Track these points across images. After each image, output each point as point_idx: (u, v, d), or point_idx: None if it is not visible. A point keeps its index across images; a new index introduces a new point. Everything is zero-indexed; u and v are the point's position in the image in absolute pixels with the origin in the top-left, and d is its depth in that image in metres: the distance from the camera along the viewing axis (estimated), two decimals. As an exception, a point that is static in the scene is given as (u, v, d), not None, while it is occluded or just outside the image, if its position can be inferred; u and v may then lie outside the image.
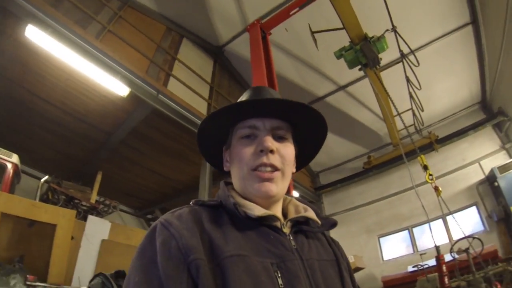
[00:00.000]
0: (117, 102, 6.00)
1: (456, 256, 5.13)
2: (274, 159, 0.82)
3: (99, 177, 7.46)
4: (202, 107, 7.22)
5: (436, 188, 5.36)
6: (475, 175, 9.15)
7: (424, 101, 7.62)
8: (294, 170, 0.92)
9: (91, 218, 4.92)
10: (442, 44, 8.49)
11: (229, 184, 0.93)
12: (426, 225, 8.68)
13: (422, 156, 5.64)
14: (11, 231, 3.78)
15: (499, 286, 4.47)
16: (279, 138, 0.86)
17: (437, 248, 4.82)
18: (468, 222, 8.84)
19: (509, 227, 8.09)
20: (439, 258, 4.78)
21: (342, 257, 0.93)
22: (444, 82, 9.29)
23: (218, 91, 8.32)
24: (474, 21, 8.08)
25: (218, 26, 8.34)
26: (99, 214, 7.30)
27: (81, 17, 5.43)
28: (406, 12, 7.43)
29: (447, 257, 5.36)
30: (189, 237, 0.68)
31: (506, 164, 8.48)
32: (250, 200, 0.83)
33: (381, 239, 9.77)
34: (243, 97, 0.94)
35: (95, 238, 4.67)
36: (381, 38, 6.04)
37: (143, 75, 5.89)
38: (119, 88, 5.52)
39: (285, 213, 0.92)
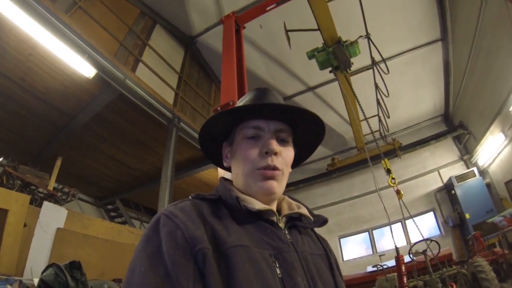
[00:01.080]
0: (81, 84, 5.70)
1: (414, 257, 5.32)
2: (277, 161, 0.86)
3: (58, 163, 7.05)
4: (169, 96, 7.08)
5: (397, 192, 5.52)
6: (434, 182, 9.62)
7: (390, 109, 7.89)
8: (290, 170, 0.96)
9: (46, 205, 4.63)
10: (411, 56, 8.84)
11: (227, 180, 0.96)
12: (386, 228, 9.02)
13: (386, 160, 5.81)
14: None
15: (454, 286, 4.67)
16: (282, 141, 0.90)
17: (397, 249, 4.96)
18: (425, 226, 9.25)
19: (463, 232, 8.56)
20: (398, 258, 4.93)
21: (330, 252, 0.98)
22: (411, 93, 9.67)
23: (186, 82, 8.18)
24: (443, 39, 8.49)
25: (193, 16, 8.24)
26: (57, 202, 6.87)
27: (49, -11, 5.15)
28: (380, 22, 7.67)
29: (406, 259, 5.56)
30: (194, 228, 0.70)
31: (464, 174, 8.99)
32: (249, 195, 0.86)
33: (342, 240, 10.01)
34: (247, 97, 0.97)
35: (50, 226, 4.41)
36: (354, 43, 6.16)
37: (112, 57, 5.65)
38: (84, 69, 5.24)
39: (279, 210, 0.94)
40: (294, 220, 0.92)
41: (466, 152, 9.63)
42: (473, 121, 9.03)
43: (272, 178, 0.85)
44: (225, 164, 0.99)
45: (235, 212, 0.82)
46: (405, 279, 4.74)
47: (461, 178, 8.86)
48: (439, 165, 9.78)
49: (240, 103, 0.97)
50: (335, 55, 5.88)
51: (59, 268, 3.25)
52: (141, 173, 8.55)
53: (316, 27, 6.12)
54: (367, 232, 9.76)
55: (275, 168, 0.85)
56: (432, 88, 9.75)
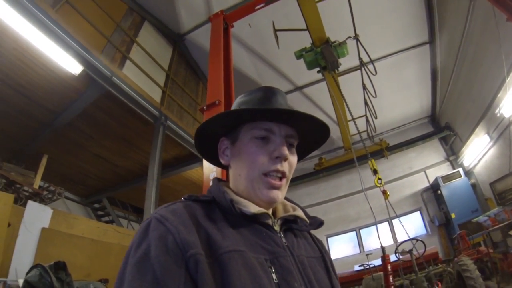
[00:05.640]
0: (67, 80, 5.58)
1: (401, 256, 5.39)
2: (285, 167, 0.85)
3: (44, 161, 6.94)
4: (156, 94, 7.01)
5: (384, 192, 5.59)
6: (421, 182, 9.76)
7: (377, 109, 7.97)
8: None
9: (30, 204, 4.56)
10: (399, 58, 8.95)
11: (220, 181, 0.94)
12: (373, 227, 9.11)
13: (373, 160, 5.87)
14: None
15: (440, 285, 4.74)
16: (290, 146, 0.89)
17: (382, 248, 5.03)
18: (412, 225, 9.39)
19: (449, 231, 8.72)
20: (384, 258, 4.99)
21: (326, 254, 0.97)
22: (398, 94, 9.79)
23: (174, 79, 8.12)
24: (431, 41, 8.61)
25: (182, 14, 8.19)
26: (43, 201, 6.77)
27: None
28: (369, 24, 7.76)
29: (392, 258, 5.63)
30: (186, 232, 0.67)
31: (449, 174, 9.16)
32: (247, 199, 0.84)
33: (329, 239, 10.07)
34: (255, 96, 0.93)
35: (35, 226, 4.35)
36: (342, 43, 6.19)
37: (98, 54, 5.56)
38: (70, 65, 5.12)
39: (274, 211, 0.92)
40: (290, 223, 0.91)
41: (452, 153, 9.80)
42: (459, 123, 9.19)
43: (278, 188, 0.84)
44: (222, 161, 0.95)
45: (229, 215, 0.80)
46: (391, 278, 4.79)
47: (447, 178, 9.02)
48: (425, 165, 9.93)
49: (244, 99, 0.94)
50: (323, 56, 5.90)
51: (44, 269, 3.23)
52: (127, 171, 8.45)
53: (305, 27, 6.13)
54: (354, 232, 9.84)
55: (283, 175, 0.85)
56: (420, 90, 9.89)
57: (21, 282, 3.43)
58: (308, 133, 0.93)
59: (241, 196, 0.85)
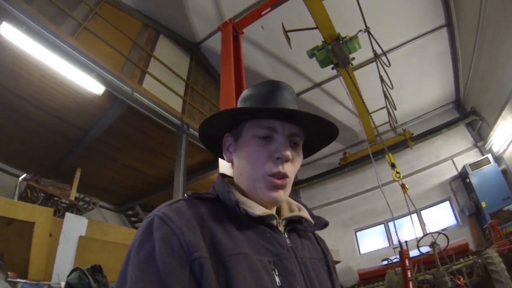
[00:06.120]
0: (92, 100, 5.99)
1: (423, 251, 5.35)
2: (288, 168, 0.82)
3: (78, 174, 7.45)
4: (177, 104, 7.29)
5: (402, 186, 5.56)
6: (448, 171, 9.45)
7: (399, 99, 7.83)
8: None
9: (68, 216, 5.00)
10: (417, 44, 8.70)
11: (225, 176, 0.93)
12: (402, 219, 8.97)
13: (390, 154, 5.82)
14: (-11, 230, 3.84)
15: (461, 279, 4.69)
16: (294, 145, 0.85)
17: (400, 244, 5.02)
18: (442, 216, 9.15)
19: (480, 221, 8.41)
20: (402, 252, 4.98)
21: (328, 254, 0.97)
22: (419, 81, 9.54)
23: (193, 88, 8.37)
24: (449, 24, 8.31)
25: (195, 23, 8.37)
26: (79, 211, 7.27)
27: (56, 12, 5.41)
28: (383, 13, 7.60)
29: (416, 252, 5.58)
30: (190, 234, 0.67)
31: (478, 161, 8.78)
32: (251, 198, 0.83)
33: (358, 233, 10.02)
34: (258, 91, 0.90)
35: (73, 235, 4.74)
36: (353, 38, 6.15)
37: (118, 73, 5.91)
38: (94, 86, 5.54)
39: (278, 209, 0.92)
40: (294, 223, 0.90)
41: (480, 138, 9.41)
42: (485, 107, 8.82)
43: (281, 188, 0.81)
44: (225, 158, 0.94)
45: (233, 214, 0.79)
46: (409, 272, 4.79)
47: (476, 165, 8.68)
48: (452, 153, 9.59)
49: (249, 93, 0.92)
50: (334, 53, 5.92)
51: (83, 272, 3.57)
52: (156, 178, 8.85)
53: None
54: (383, 225, 9.73)
55: (285, 176, 0.81)
56: (441, 76, 9.57)
57: (63, 284, 3.78)
58: (315, 131, 0.89)
59: (245, 193, 0.84)
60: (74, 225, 4.90)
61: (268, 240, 0.79)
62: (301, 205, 0.95)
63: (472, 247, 7.56)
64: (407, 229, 8.48)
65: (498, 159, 8.64)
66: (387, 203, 4.95)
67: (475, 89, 8.97)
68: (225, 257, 0.67)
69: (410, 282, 4.71)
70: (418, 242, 5.14)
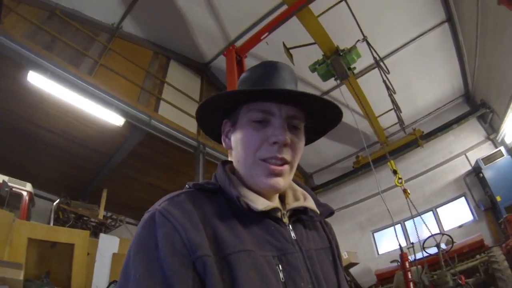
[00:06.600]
0: (114, 129, 6.53)
1: (429, 253, 5.51)
2: (286, 153, 0.77)
3: (104, 194, 8.08)
4: (192, 125, 7.72)
5: (404, 191, 5.72)
6: (462, 166, 9.42)
7: (407, 98, 7.89)
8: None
9: (102, 236, 5.69)
10: (421, 42, 8.78)
11: (227, 163, 0.89)
12: (418, 219, 9.03)
13: (392, 161, 6.03)
14: (37, 252, 4.50)
15: (463, 279, 4.81)
16: (293, 128, 0.80)
17: (400, 247, 5.19)
18: (458, 212, 9.15)
19: (496, 215, 8.36)
20: (402, 255, 5.15)
21: (333, 240, 0.94)
22: (426, 78, 9.58)
23: (206, 108, 8.80)
24: (449, 19, 8.36)
25: (202, 44, 8.71)
26: (108, 228, 7.88)
27: (74, 54, 6.01)
28: (383, 16, 7.78)
29: (430, 251, 5.72)
30: (193, 231, 0.65)
31: (491, 155, 8.64)
32: (250, 186, 0.80)
33: (376, 234, 10.14)
34: (254, 73, 0.86)
35: (107, 253, 5.41)
36: (352, 49, 6.37)
37: (135, 103, 6.45)
38: (114, 119, 6.10)
39: (282, 197, 0.90)
40: (299, 213, 0.86)
41: (493, 130, 9.32)
42: (494, 98, 8.75)
43: (279, 174, 0.77)
44: (224, 145, 0.90)
45: (236, 207, 0.76)
46: (409, 274, 4.98)
47: (488, 159, 8.61)
48: (465, 148, 9.54)
49: (245, 75, 0.88)
50: (333, 67, 6.17)
51: (119, 284, 4.15)
52: (176, 194, 9.36)
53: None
54: (399, 224, 9.78)
55: (283, 162, 0.77)
56: (447, 71, 9.57)
57: (101, 296, 4.38)
58: (317, 113, 0.83)
59: (245, 183, 0.81)
60: (108, 244, 5.56)
61: (272, 234, 0.76)
62: (306, 193, 0.92)
63: (489, 242, 7.56)
64: (423, 229, 8.54)
65: (511, 150, 8.57)
66: (388, 209, 5.15)
67: (483, 81, 8.92)
68: (229, 255, 0.66)
69: (411, 283, 4.91)
70: (422, 244, 5.29)
